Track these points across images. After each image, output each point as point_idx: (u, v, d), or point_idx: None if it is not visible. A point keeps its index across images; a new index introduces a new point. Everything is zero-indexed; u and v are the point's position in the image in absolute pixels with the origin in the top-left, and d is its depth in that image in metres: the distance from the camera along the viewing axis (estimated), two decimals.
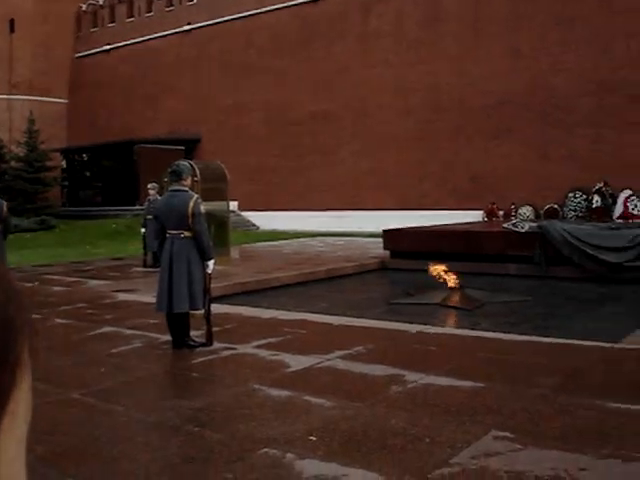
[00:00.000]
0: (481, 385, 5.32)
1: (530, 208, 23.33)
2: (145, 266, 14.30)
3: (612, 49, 22.42)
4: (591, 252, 12.35)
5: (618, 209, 21.54)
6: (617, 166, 21.99)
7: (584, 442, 4.04)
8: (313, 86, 29.73)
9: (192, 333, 7.03)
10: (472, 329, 7.98)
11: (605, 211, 21.61)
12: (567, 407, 4.70)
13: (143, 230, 14.76)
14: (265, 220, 30.21)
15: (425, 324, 8.13)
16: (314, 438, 4.21)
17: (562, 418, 4.48)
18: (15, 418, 0.47)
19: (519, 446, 4.00)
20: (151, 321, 8.07)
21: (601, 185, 21.92)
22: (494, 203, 23.90)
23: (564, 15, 23.32)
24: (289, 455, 3.95)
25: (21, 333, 0.48)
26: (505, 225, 14.40)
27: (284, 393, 5.23)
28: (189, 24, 34.42)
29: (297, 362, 6.19)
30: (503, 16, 24.66)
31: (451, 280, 10.96)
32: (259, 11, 31.71)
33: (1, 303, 0.47)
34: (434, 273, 11.14)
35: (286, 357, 6.39)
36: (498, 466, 3.71)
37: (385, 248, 15.21)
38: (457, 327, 8.47)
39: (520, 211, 23.33)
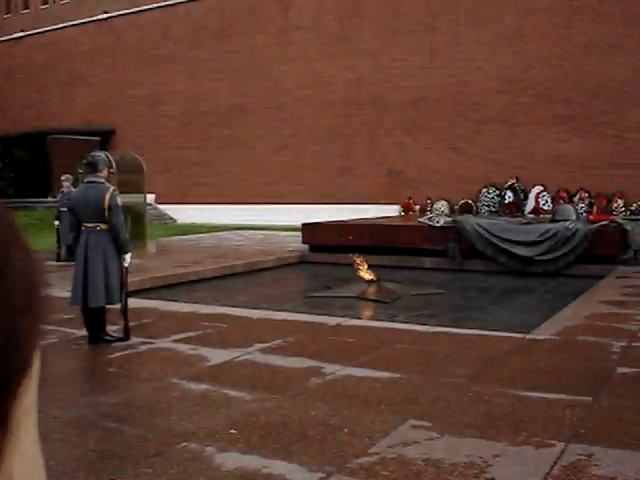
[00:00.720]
0: (398, 376, 5.42)
1: (445, 203, 23.80)
2: (59, 260, 13.91)
3: (524, 49, 23.06)
4: (504, 246, 12.70)
5: (529, 204, 22.23)
6: (529, 163, 22.67)
7: (498, 430, 4.16)
8: (232, 79, 29.54)
9: (108, 328, 6.91)
10: (389, 321, 8.11)
11: (517, 206, 22.25)
12: (482, 396, 4.84)
13: (57, 223, 14.36)
14: (182, 213, 29.87)
15: (343, 317, 8.21)
16: (234, 431, 4.20)
17: (477, 407, 4.61)
18: (30, 386, 0.50)
19: (436, 435, 4.09)
20: (66, 316, 7.88)
21: (513, 181, 22.56)
22: (410, 198, 24.29)
23: (479, 14, 23.85)
24: (209, 449, 3.93)
25: (41, 310, 0.49)
26: (421, 219, 14.66)
27: (203, 387, 5.19)
28: (106, 12, 33.66)
29: (216, 356, 6.16)
30: (420, 14, 25.04)
31: (368, 273, 11.14)
32: (177, 1, 31.27)
33: (27, 277, 0.48)
34: (356, 261, 11.44)
35: (205, 351, 6.35)
36: (415, 454, 3.79)
37: (304, 242, 15.27)
38: (374, 319, 8.58)
39: (435, 206, 23.78)
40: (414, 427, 4.23)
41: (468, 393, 4.92)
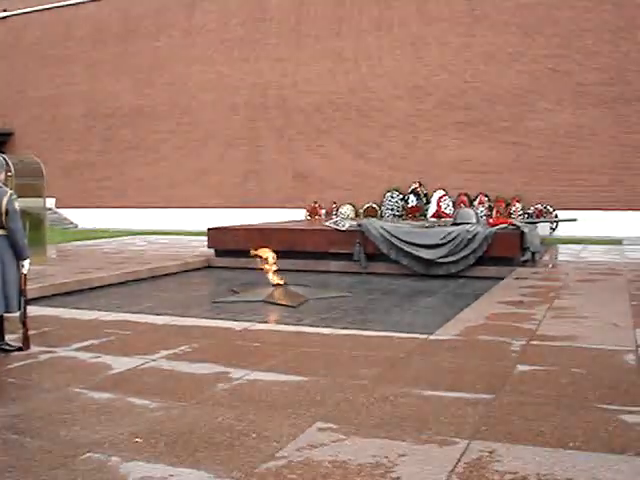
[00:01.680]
0: (305, 379, 5.45)
1: (350, 207, 24.08)
2: None
3: (427, 56, 23.59)
4: (407, 249, 12.96)
5: (432, 208, 22.74)
6: (431, 168, 23.19)
7: (403, 429, 4.24)
8: (135, 80, 29.04)
9: (7, 337, 6.68)
10: (296, 325, 8.15)
11: (420, 210, 22.73)
12: (387, 396, 4.92)
13: None
14: (84, 218, 29.15)
15: (250, 321, 8.21)
16: (139, 440, 4.13)
17: (382, 407, 4.68)
18: None
19: (342, 436, 4.14)
20: None
21: (416, 185, 23.04)
22: (316, 202, 24.45)
23: (383, 21, 24.24)
24: (114, 459, 3.86)
25: None
26: (326, 223, 14.79)
27: (107, 396, 5.08)
28: (5, 10, 32.52)
29: (120, 364, 6.04)
30: (326, 19, 25.27)
31: (276, 277, 11.16)
32: (80, 0, 30.51)
33: None
34: (259, 255, 11.48)
35: (108, 359, 6.22)
36: (323, 457, 3.82)
37: (209, 246, 15.15)
38: (281, 323, 8.59)
39: (341, 210, 24.02)
40: (321, 430, 4.26)
41: (374, 394, 4.99)
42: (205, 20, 27.78)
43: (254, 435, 4.17)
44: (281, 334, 7.55)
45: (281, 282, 11.07)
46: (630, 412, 4.55)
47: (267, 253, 11.52)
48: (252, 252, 11.71)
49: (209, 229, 15.39)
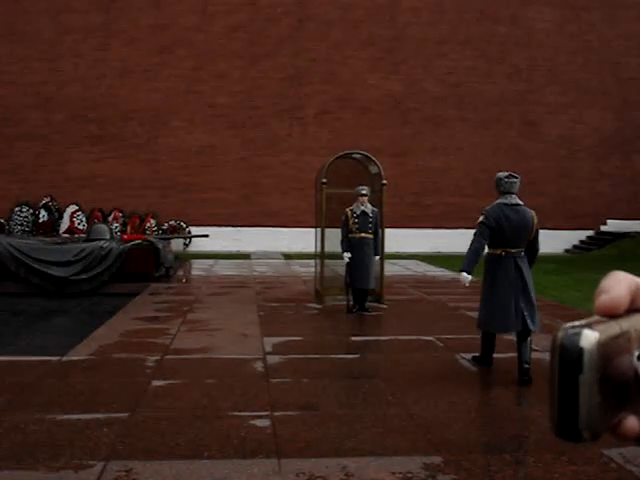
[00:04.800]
0: None
1: None
2: None
3: (60, 66, 22.82)
4: (37, 267, 12.39)
5: (65, 224, 22.00)
6: (63, 181, 22.45)
7: (36, 458, 4.06)
8: None
9: None
10: None
11: (52, 225, 21.86)
12: (17, 425, 4.66)
13: None
14: None
15: None
16: None
17: (13, 437, 4.43)
18: None
19: None
20: None
21: (47, 200, 22.10)
22: None
23: (15, 27, 22.93)
24: None
25: None
26: None
27: None
28: None
29: None
30: None
31: None
32: None
33: None
34: None
35: None
36: None
37: None
38: None
39: None
40: None
41: (2, 424, 4.70)
42: None
43: None
44: None
45: None
46: (259, 417, 4.88)
47: None
48: None
49: None
